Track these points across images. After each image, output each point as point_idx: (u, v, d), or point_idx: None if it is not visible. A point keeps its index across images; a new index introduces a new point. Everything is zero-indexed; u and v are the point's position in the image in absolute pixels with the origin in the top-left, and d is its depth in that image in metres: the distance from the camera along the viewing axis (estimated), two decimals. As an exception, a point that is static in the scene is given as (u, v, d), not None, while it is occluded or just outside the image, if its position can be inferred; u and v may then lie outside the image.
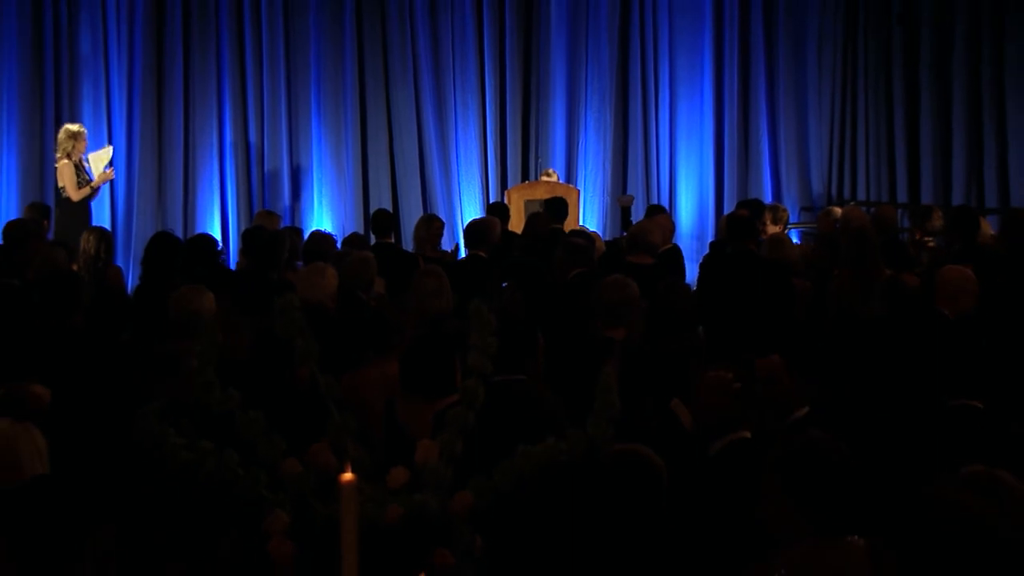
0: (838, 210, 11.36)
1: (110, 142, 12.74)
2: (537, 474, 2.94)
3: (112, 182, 12.69)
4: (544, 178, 12.81)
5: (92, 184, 10.90)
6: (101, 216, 12.47)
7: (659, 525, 3.63)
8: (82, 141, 11.05)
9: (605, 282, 6.07)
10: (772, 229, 9.89)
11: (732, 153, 14.15)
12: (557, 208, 10.21)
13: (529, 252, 8.88)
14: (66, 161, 10.84)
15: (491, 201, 13.03)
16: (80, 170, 10.87)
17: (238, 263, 9.54)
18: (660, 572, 3.56)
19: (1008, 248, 8.13)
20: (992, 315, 6.41)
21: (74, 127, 11.15)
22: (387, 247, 9.50)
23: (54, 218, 10.96)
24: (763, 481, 3.40)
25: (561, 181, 12.98)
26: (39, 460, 3.74)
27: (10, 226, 9.43)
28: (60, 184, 10.88)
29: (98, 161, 11.11)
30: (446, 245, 10.52)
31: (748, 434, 4.46)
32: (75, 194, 10.72)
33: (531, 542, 3.52)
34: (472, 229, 9.31)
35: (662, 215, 10.36)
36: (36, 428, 3.88)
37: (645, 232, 8.56)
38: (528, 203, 11.95)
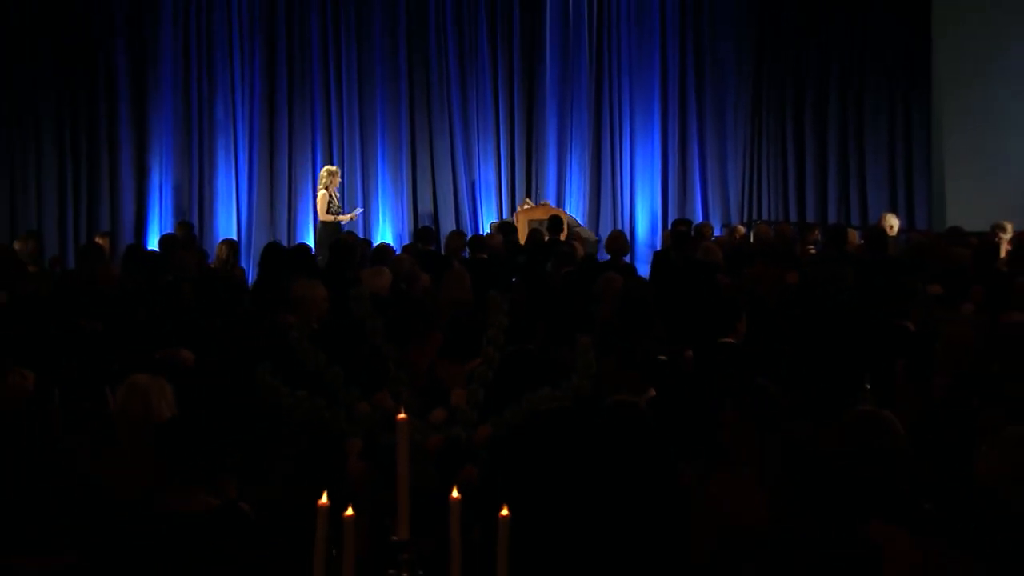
0: (741, 228, 11.40)
1: (236, 179, 12.76)
2: (540, 414, 2.91)
3: (237, 205, 12.73)
4: (526, 205, 12.76)
5: (339, 217, 10.86)
6: (230, 230, 12.47)
7: (649, 452, 3.51)
8: (336, 177, 11.12)
9: None
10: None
11: (674, 185, 14.08)
12: (555, 224, 10.14)
13: (530, 256, 8.86)
14: (324, 192, 10.89)
15: (504, 219, 12.98)
16: (333, 200, 10.82)
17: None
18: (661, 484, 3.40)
19: (870, 254, 8.09)
20: (863, 305, 6.27)
21: (333, 168, 11.26)
22: (429, 253, 9.46)
23: (316, 231, 11.15)
24: (723, 413, 3.25)
25: (552, 205, 12.92)
26: (167, 405, 3.68)
27: (164, 239, 9.45)
28: (317, 208, 10.88)
29: (353, 211, 11.50)
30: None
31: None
32: (322, 217, 10.80)
33: (551, 477, 3.31)
34: (473, 241, 9.35)
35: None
36: (166, 381, 3.80)
37: (616, 240, 8.72)
38: (530, 221, 11.92)
